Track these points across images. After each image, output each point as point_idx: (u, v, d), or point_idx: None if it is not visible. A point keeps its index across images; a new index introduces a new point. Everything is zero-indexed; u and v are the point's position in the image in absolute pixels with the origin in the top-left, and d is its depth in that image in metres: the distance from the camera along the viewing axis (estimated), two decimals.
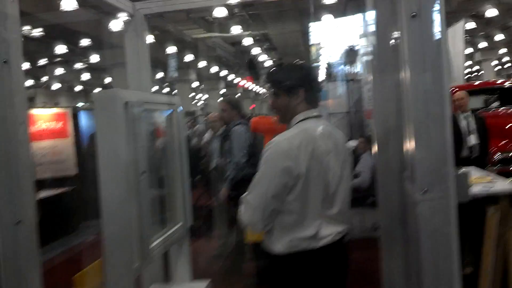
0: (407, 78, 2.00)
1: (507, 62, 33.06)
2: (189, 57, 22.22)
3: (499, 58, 30.96)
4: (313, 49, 19.17)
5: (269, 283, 2.43)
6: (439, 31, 1.94)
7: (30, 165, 2.11)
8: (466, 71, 22.53)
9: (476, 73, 36.72)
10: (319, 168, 2.31)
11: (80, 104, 27.71)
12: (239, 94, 38.23)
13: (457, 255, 1.93)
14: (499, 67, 35.69)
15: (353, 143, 8.41)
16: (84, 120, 9.26)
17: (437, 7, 1.94)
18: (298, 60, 2.78)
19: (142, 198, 2.38)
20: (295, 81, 2.43)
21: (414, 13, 1.94)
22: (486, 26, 22.28)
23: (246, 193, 2.33)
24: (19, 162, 2.04)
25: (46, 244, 6.72)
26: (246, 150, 5.09)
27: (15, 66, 2.11)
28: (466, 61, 20.23)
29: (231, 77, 31.29)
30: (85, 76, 26.87)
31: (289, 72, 2.49)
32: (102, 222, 2.19)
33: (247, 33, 19.84)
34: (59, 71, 23.75)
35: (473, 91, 8.55)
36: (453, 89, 7.60)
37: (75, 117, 8.97)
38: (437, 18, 1.94)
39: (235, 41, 23.46)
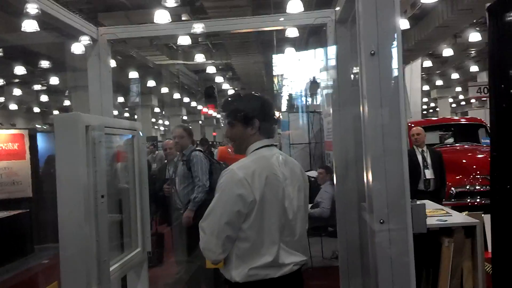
0: (365, 113, 2.05)
1: (462, 100, 34.30)
2: (151, 83, 22.18)
3: (454, 96, 32.08)
4: (276, 80, 19.43)
5: None
6: (396, 68, 2.01)
7: None
8: (423, 107, 23.25)
9: (432, 110, 37.95)
10: (275, 195, 2.32)
11: (38, 126, 27.13)
12: (201, 121, 38.25)
13: (414, 284, 1.98)
14: (455, 104, 37.00)
15: (313, 174, 8.51)
16: (41, 142, 9.06)
17: (394, 45, 2.02)
18: (254, 91, 2.84)
19: (101, 221, 2.35)
20: (251, 111, 2.44)
21: (373, 51, 2.02)
22: (442, 65, 23.14)
23: (201, 219, 2.33)
24: None
25: (0, 265, 6.52)
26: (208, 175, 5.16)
27: None
28: (423, 98, 20.87)
29: (193, 104, 31.32)
30: (44, 98, 26.38)
31: (245, 102, 2.50)
32: (59, 243, 2.15)
33: (210, 62, 19.99)
34: (17, 91, 23.25)
35: (430, 127, 8.84)
36: (411, 125, 7.84)
37: (32, 139, 8.77)
38: (394, 56, 2.02)
39: (199, 69, 23.59)
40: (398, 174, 1.97)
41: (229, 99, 2.63)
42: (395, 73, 2.01)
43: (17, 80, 21.51)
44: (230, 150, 6.28)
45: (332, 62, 3.59)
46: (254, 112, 2.44)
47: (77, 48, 11.52)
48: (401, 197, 1.97)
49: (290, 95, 17.76)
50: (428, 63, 20.21)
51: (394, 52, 2.02)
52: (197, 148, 5.58)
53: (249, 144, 2.45)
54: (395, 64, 2.01)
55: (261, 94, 2.69)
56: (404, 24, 11.70)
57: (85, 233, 2.21)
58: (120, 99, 25.57)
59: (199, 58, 17.94)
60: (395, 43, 2.02)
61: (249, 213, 2.27)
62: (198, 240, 2.32)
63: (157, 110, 31.74)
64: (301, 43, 16.81)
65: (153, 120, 34.47)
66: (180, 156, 5.42)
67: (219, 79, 23.70)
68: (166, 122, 38.42)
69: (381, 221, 1.96)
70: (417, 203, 2.01)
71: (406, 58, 15.54)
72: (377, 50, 2.01)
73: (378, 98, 2.00)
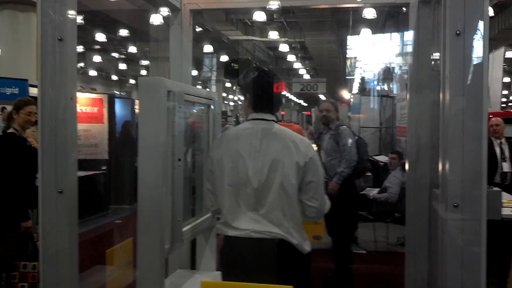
0: (446, 94, 2.02)
1: None
2: (224, 58, 22.43)
3: None
4: (348, 62, 19.15)
5: None
6: (482, 50, 1.95)
7: (75, 139, 2.21)
8: (502, 100, 22.18)
9: (511, 103, 36.14)
10: (233, 163, 2.42)
11: (116, 92, 28.11)
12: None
13: (484, 275, 1.94)
14: None
15: (382, 158, 8.40)
16: (118, 108, 9.43)
17: (482, 26, 1.96)
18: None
19: (176, 183, 2.45)
20: (243, 85, 2.56)
21: (458, 31, 1.97)
22: None
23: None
24: (66, 134, 2.13)
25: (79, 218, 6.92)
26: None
27: (70, 44, 2.20)
28: (503, 90, 19.94)
29: None
30: (122, 66, 27.27)
31: (241, 76, 2.59)
32: (138, 201, 2.27)
33: (283, 39, 19.93)
34: (97, 58, 24.16)
35: (510, 119, 8.46)
36: (489, 115, 7.54)
37: (110, 104, 9.14)
38: (481, 37, 1.96)
39: (271, 47, 23.59)
40: (476, 158, 1.93)
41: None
42: (481, 54, 1.95)
43: (97, 47, 22.31)
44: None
45: (410, 46, 3.51)
46: (245, 85, 2.55)
47: (157, 18, 11.81)
48: (478, 182, 1.93)
49: (362, 78, 17.46)
50: (510, 54, 19.22)
51: (481, 33, 1.97)
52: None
53: (246, 117, 2.58)
54: (481, 45, 1.96)
55: (259, 66, 2.69)
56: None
57: (162, 193, 2.31)
58: (194, 72, 26.04)
59: (273, 35, 17.93)
60: (482, 23, 1.97)
61: (213, 171, 2.51)
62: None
63: (228, 85, 32.07)
64: (377, 26, 16.41)
65: (224, 94, 34.86)
66: (326, 129, 5.49)
67: (291, 57, 23.62)
68: (236, 98, 38.76)
69: (455, 204, 1.93)
70: (494, 189, 1.97)
71: (489, 46, 14.86)
72: (462, 30, 1.97)
73: (461, 80, 1.96)
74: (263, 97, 2.54)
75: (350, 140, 5.27)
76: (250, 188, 2.39)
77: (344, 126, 5.48)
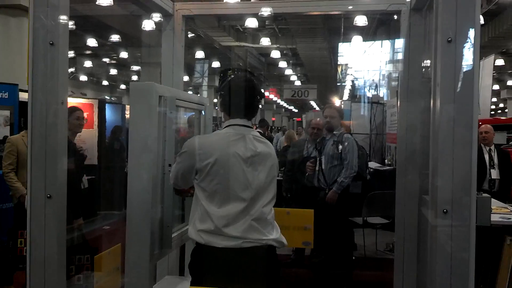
0: (437, 101, 2.02)
1: None
2: (216, 64, 22.44)
3: None
4: (339, 69, 19.23)
5: None
6: (473, 57, 1.97)
7: (65, 143, 2.19)
8: (491, 107, 22.39)
9: (500, 111, 36.43)
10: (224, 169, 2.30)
11: (106, 97, 27.99)
12: (261, 105, 38.34)
13: (473, 282, 1.94)
14: None
15: (372, 165, 8.44)
16: (108, 113, 9.39)
17: (473, 33, 1.97)
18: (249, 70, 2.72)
19: (167, 189, 2.45)
20: (221, 90, 2.48)
21: (450, 38, 1.98)
22: None
23: None
24: (57, 139, 2.12)
25: (69, 223, 6.89)
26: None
27: (61, 48, 2.20)
28: (492, 97, 20.12)
29: None
30: (112, 71, 27.21)
31: (220, 80, 2.50)
32: (127, 206, 2.26)
33: (275, 46, 19.98)
34: (88, 63, 24.08)
35: (499, 126, 8.53)
36: (479, 122, 7.58)
37: (101, 109, 9.10)
38: (472, 44, 1.98)
39: (263, 53, 23.64)
40: (466, 165, 1.94)
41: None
42: (472, 62, 1.97)
43: (88, 52, 22.23)
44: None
45: (401, 54, 3.53)
46: (222, 90, 2.47)
47: (149, 24, 11.80)
48: (467, 188, 1.94)
49: (353, 85, 17.54)
50: (500, 62, 19.41)
51: (472, 41, 1.98)
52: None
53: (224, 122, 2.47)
54: (472, 53, 1.97)
55: (241, 72, 2.58)
56: None
57: (151, 199, 2.30)
58: (185, 78, 26.00)
59: (265, 41, 17.97)
60: (473, 31, 1.98)
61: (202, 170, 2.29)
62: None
63: None
64: (368, 33, 16.51)
65: (215, 100, 34.90)
66: (329, 135, 5.41)
67: (282, 64, 23.67)
68: None
69: (445, 210, 1.94)
70: (483, 195, 1.98)
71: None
72: (454, 38, 1.98)
73: (451, 87, 1.97)
74: (248, 103, 2.46)
75: (353, 149, 5.22)
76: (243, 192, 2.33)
77: (348, 134, 5.45)
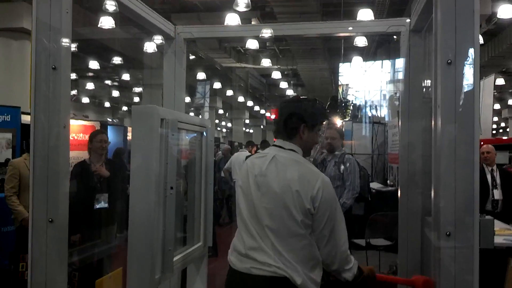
0: (438, 122, 2.03)
1: None
2: (217, 85, 22.55)
3: None
4: (340, 89, 19.30)
5: None
6: (473, 78, 1.98)
7: (67, 167, 2.19)
8: (492, 126, 22.42)
9: (502, 130, 36.43)
10: (245, 186, 2.39)
11: (108, 120, 28.10)
12: (263, 126, 38.48)
13: None
14: None
15: (374, 185, 8.41)
16: (110, 135, 9.40)
17: (473, 55, 1.98)
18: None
19: (168, 212, 2.44)
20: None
21: (450, 60, 1.99)
22: None
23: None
24: (59, 162, 2.12)
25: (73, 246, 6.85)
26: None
27: (63, 72, 2.21)
28: (493, 116, 20.13)
29: (256, 107, 31.56)
30: (114, 93, 27.33)
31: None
32: (129, 229, 2.25)
33: (276, 67, 20.10)
34: (90, 85, 24.21)
35: (500, 146, 8.51)
36: (480, 142, 7.57)
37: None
38: (472, 66, 1.99)
39: (263, 74, 23.77)
40: (468, 186, 1.93)
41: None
42: (472, 83, 1.98)
43: (90, 74, 22.36)
44: None
45: (401, 73, 3.54)
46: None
47: (150, 46, 11.89)
48: (470, 210, 1.93)
49: (354, 105, 17.58)
50: (501, 81, 19.48)
51: (472, 62, 1.99)
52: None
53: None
54: (472, 74, 1.98)
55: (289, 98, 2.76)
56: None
57: (153, 222, 2.29)
58: (187, 99, 26.10)
59: (266, 62, 18.08)
60: (472, 51, 1.99)
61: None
62: None
63: (220, 112, 32.19)
64: (368, 54, 16.62)
65: (216, 121, 34.96)
66: (330, 156, 5.41)
67: (283, 84, 23.78)
68: (229, 124, 38.88)
69: (448, 233, 1.93)
70: (486, 217, 1.97)
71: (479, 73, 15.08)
72: (454, 59, 1.99)
73: (452, 108, 1.97)
74: (281, 125, 2.51)
75: (354, 170, 5.22)
76: (254, 216, 2.37)
77: (350, 155, 5.44)
